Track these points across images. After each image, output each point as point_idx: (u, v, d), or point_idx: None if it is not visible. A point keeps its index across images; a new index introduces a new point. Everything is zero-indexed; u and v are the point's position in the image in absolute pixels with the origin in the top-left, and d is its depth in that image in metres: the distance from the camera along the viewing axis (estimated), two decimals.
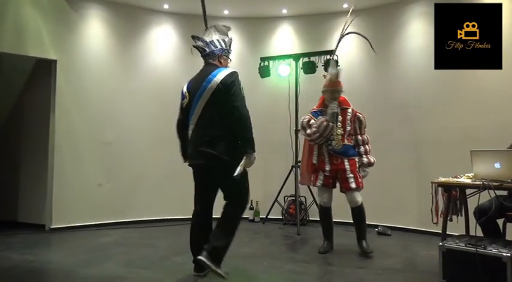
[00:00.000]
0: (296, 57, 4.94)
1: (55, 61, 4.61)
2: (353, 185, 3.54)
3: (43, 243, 4.08)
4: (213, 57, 2.98)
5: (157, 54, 5.31)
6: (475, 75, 4.12)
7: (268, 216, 5.08)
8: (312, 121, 3.63)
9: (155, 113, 5.19)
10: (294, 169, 4.83)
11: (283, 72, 5.05)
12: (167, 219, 5.14)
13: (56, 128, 4.60)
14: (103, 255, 3.57)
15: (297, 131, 4.87)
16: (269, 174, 5.24)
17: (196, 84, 2.89)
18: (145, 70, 5.23)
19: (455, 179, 3.06)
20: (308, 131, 3.63)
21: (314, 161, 3.69)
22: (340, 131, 3.60)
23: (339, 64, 4.43)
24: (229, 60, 3.07)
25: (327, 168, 3.62)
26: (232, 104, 2.75)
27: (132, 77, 5.14)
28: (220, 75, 2.82)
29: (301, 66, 4.92)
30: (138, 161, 5.08)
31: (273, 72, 5.06)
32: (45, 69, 4.69)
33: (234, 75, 2.83)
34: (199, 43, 3.01)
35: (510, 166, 2.76)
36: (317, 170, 3.69)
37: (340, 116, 3.60)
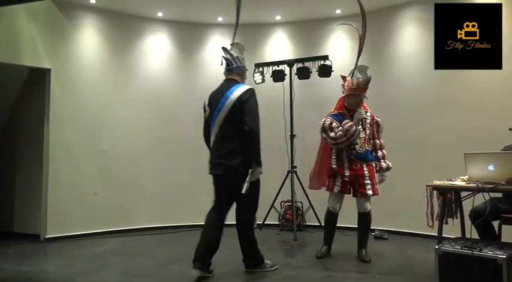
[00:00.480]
0: (290, 63, 4.97)
1: (49, 70, 4.61)
2: (370, 192, 3.51)
3: (38, 253, 4.04)
4: (235, 73, 3.25)
5: (152, 62, 5.32)
6: (469, 78, 4.17)
7: (265, 222, 5.07)
8: (334, 124, 3.54)
9: (150, 121, 5.20)
10: (290, 174, 4.83)
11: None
12: (164, 227, 5.12)
13: (50, 136, 4.59)
14: (99, 264, 3.54)
15: (292, 137, 4.88)
16: (265, 179, 5.15)
17: (216, 100, 3.15)
18: (140, 78, 5.24)
19: (450, 182, 3.07)
20: (332, 135, 3.50)
21: (333, 166, 3.60)
22: (363, 135, 3.58)
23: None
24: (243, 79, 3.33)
25: (347, 173, 3.53)
26: (244, 118, 2.99)
27: (127, 85, 5.15)
28: (236, 92, 3.07)
29: (295, 72, 4.94)
30: (134, 169, 5.07)
31: (267, 78, 5.08)
32: (39, 78, 4.69)
33: (249, 92, 3.06)
34: (228, 56, 3.25)
35: (504, 168, 2.78)
36: (335, 174, 3.59)
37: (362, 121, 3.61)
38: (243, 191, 2.92)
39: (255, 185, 3.10)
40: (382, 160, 3.66)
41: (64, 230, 4.58)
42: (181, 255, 3.86)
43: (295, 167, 4.82)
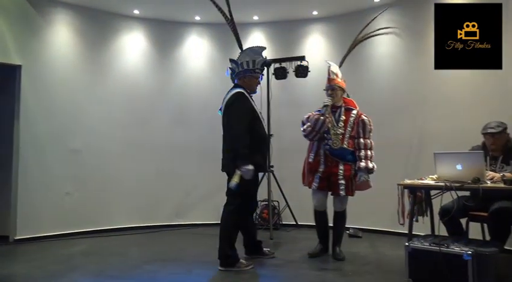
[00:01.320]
0: (267, 63, 4.96)
1: (19, 66, 4.48)
2: (342, 192, 3.46)
3: (7, 255, 3.92)
4: (238, 77, 3.46)
5: (128, 60, 5.24)
6: (442, 80, 4.28)
7: None
8: (311, 117, 3.54)
9: (125, 120, 5.13)
10: (266, 174, 4.85)
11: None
12: (139, 227, 5.06)
13: (20, 135, 4.45)
14: (71, 266, 3.46)
15: (269, 136, 4.90)
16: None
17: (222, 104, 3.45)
18: (115, 77, 5.15)
19: (420, 181, 3.16)
20: (303, 127, 3.55)
21: (310, 160, 3.59)
22: (340, 131, 3.49)
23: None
24: (257, 78, 3.51)
25: (321, 168, 3.51)
26: (229, 121, 3.28)
27: (101, 84, 5.05)
28: (227, 96, 3.37)
29: (272, 72, 4.97)
30: (108, 169, 4.99)
31: None
32: (9, 75, 4.54)
33: (234, 96, 3.30)
34: (233, 65, 3.49)
35: (471, 167, 2.88)
36: (313, 171, 3.57)
37: (343, 116, 3.53)
38: (231, 186, 3.15)
39: (244, 184, 3.18)
40: (363, 160, 3.46)
41: (35, 231, 4.45)
42: (157, 255, 3.83)
43: (272, 166, 4.85)
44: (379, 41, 4.83)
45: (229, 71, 3.52)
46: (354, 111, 3.57)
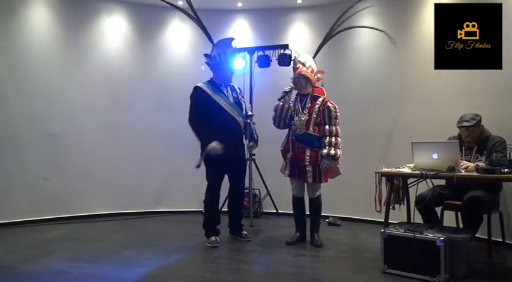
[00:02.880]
0: (251, 50, 4.95)
1: None
2: (310, 180, 3.51)
3: None
4: (213, 70, 3.76)
5: (108, 43, 5.11)
6: (420, 72, 4.32)
7: (222, 209, 5.07)
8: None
9: (105, 104, 5.02)
10: (248, 162, 4.85)
11: (238, 66, 5.03)
12: (118, 213, 5.00)
13: None
14: (45, 251, 3.41)
15: (247, 122, 4.88)
16: None
17: None
18: (95, 60, 5.03)
19: (397, 169, 3.21)
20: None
21: (281, 147, 3.70)
22: (305, 117, 3.55)
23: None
24: (230, 68, 3.78)
25: (289, 155, 3.62)
26: None
27: (80, 67, 4.92)
28: None
29: (255, 60, 4.94)
30: (87, 154, 4.89)
31: None
32: None
33: (193, 90, 3.67)
34: (207, 59, 3.76)
35: (446, 157, 2.94)
36: (284, 158, 3.69)
37: (309, 104, 3.58)
38: (196, 165, 3.56)
39: (208, 164, 3.62)
40: (326, 147, 3.46)
41: (9, 216, 4.35)
42: (135, 241, 3.81)
43: (254, 154, 4.84)
44: (360, 33, 4.83)
45: (204, 66, 3.87)
46: (320, 99, 3.59)
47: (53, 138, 4.67)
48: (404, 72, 4.52)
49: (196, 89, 3.65)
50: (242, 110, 3.83)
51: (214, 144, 3.47)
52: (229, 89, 3.79)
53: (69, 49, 4.86)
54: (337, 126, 3.57)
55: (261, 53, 4.93)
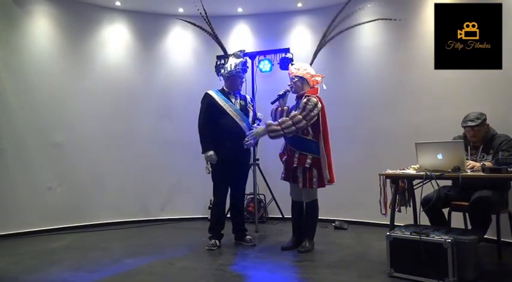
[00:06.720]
0: (252, 55, 4.95)
1: None
2: (300, 185, 3.48)
3: None
4: (224, 80, 3.97)
5: (110, 52, 5.15)
6: (424, 72, 4.27)
7: (228, 215, 5.03)
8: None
9: (108, 113, 5.05)
10: (252, 167, 4.82)
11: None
12: (123, 222, 4.99)
13: None
14: (50, 260, 3.40)
15: (251, 127, 4.86)
16: None
17: None
18: (97, 69, 5.06)
19: (402, 171, 3.16)
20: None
21: (280, 150, 3.74)
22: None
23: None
24: (240, 78, 3.92)
25: (283, 158, 3.64)
26: None
27: (82, 76, 4.96)
28: None
29: (257, 64, 4.93)
30: (91, 163, 4.91)
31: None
32: None
33: (203, 95, 3.87)
34: (222, 70, 4.01)
35: (451, 157, 2.88)
36: (282, 161, 3.72)
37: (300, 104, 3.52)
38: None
39: (212, 170, 3.79)
40: (275, 121, 3.45)
41: (14, 227, 4.36)
42: (139, 249, 3.79)
43: (258, 159, 4.82)
44: (362, 33, 4.81)
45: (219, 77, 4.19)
46: (305, 100, 3.43)
47: (57, 147, 4.70)
48: (404, 72, 4.48)
49: (206, 94, 3.87)
50: (248, 117, 3.89)
51: (210, 154, 3.66)
52: (238, 96, 3.94)
53: (72, 59, 4.90)
54: (302, 117, 3.37)
55: (262, 57, 4.95)
